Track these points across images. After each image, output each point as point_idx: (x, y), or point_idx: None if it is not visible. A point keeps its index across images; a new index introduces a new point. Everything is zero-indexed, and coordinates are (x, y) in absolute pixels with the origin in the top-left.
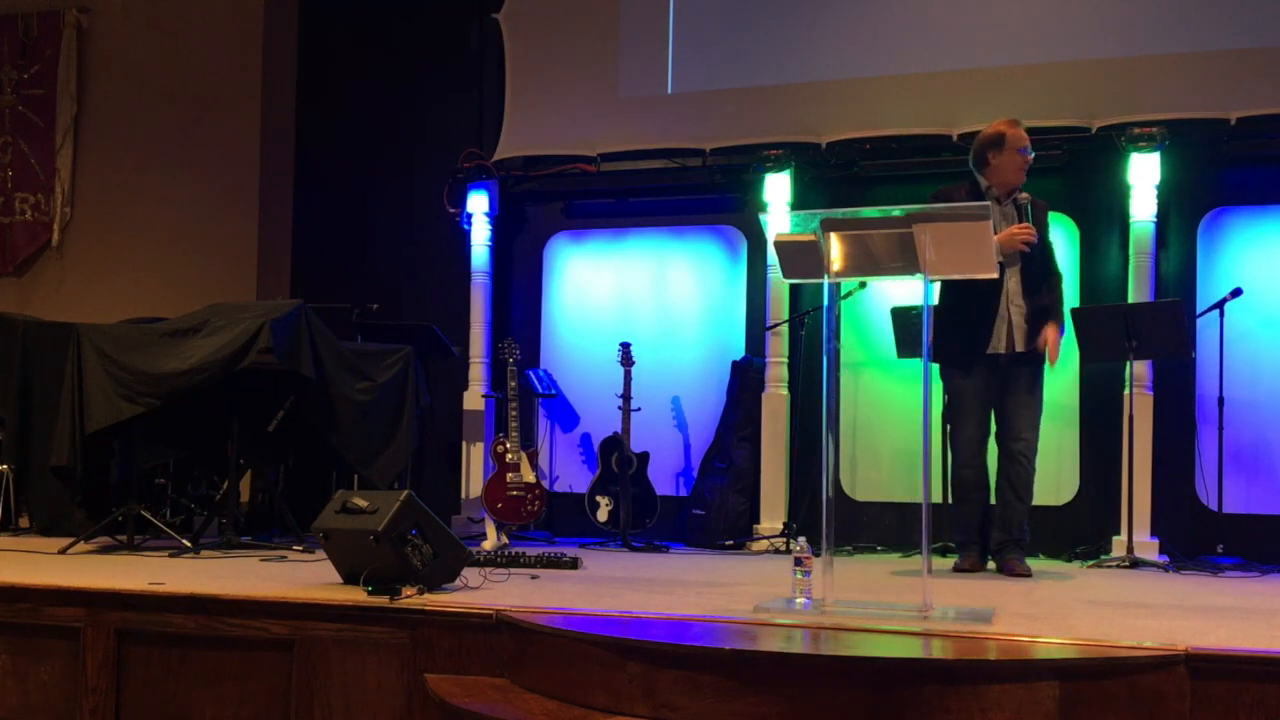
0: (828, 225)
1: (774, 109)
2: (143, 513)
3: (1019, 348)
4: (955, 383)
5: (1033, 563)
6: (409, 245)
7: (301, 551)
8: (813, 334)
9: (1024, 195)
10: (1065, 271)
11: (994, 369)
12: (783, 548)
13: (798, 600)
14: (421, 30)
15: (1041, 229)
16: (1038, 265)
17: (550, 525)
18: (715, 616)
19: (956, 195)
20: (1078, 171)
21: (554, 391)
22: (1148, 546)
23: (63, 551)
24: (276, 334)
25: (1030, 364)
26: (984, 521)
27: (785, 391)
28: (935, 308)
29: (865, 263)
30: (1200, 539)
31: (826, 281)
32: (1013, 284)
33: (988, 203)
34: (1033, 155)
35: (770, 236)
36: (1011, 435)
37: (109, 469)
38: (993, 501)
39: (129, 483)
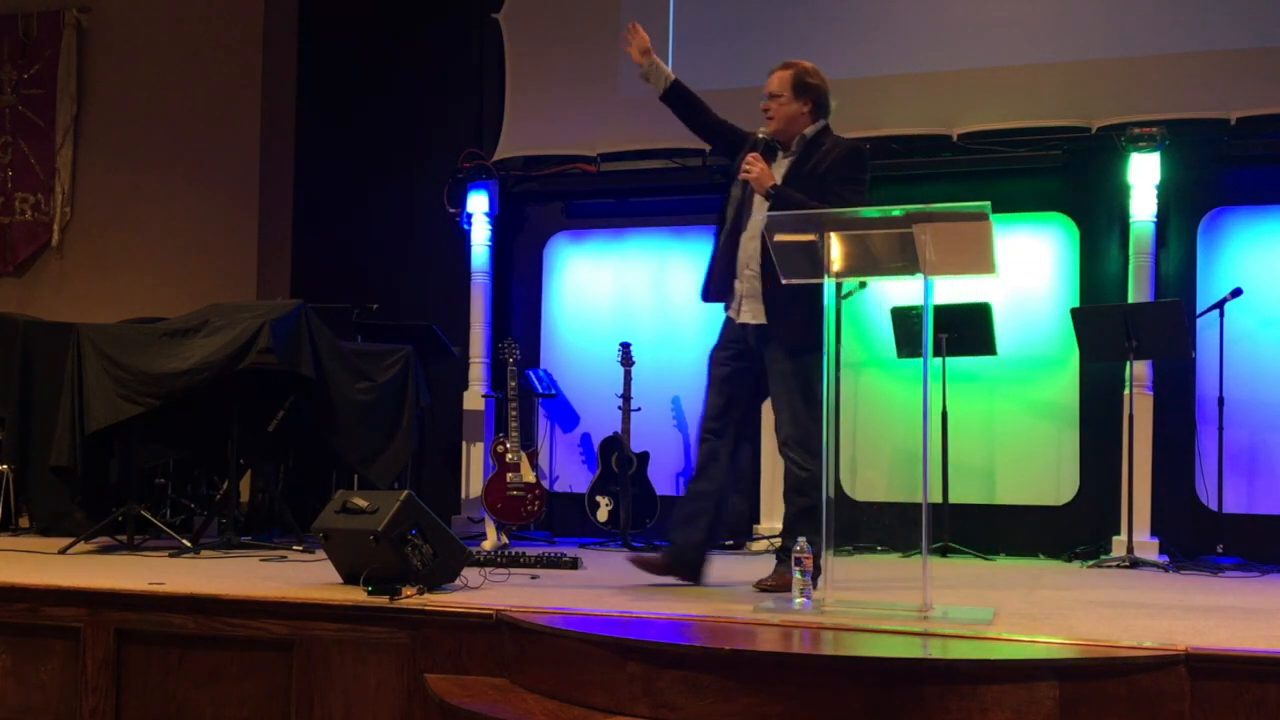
0: (828, 225)
1: None
2: (143, 513)
3: (739, 319)
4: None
5: (1033, 562)
6: (409, 245)
7: (301, 551)
8: None
9: (762, 130)
10: (1065, 271)
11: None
12: None
13: (798, 600)
14: (422, 30)
15: (810, 176)
16: None
17: (550, 525)
18: (715, 616)
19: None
20: (1078, 171)
21: (554, 391)
22: (1148, 546)
23: (63, 551)
24: (276, 334)
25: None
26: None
27: None
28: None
29: (865, 263)
30: (1200, 539)
31: (826, 281)
32: (750, 245)
33: (987, 203)
34: (764, 102)
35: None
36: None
37: (109, 469)
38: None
39: (129, 483)
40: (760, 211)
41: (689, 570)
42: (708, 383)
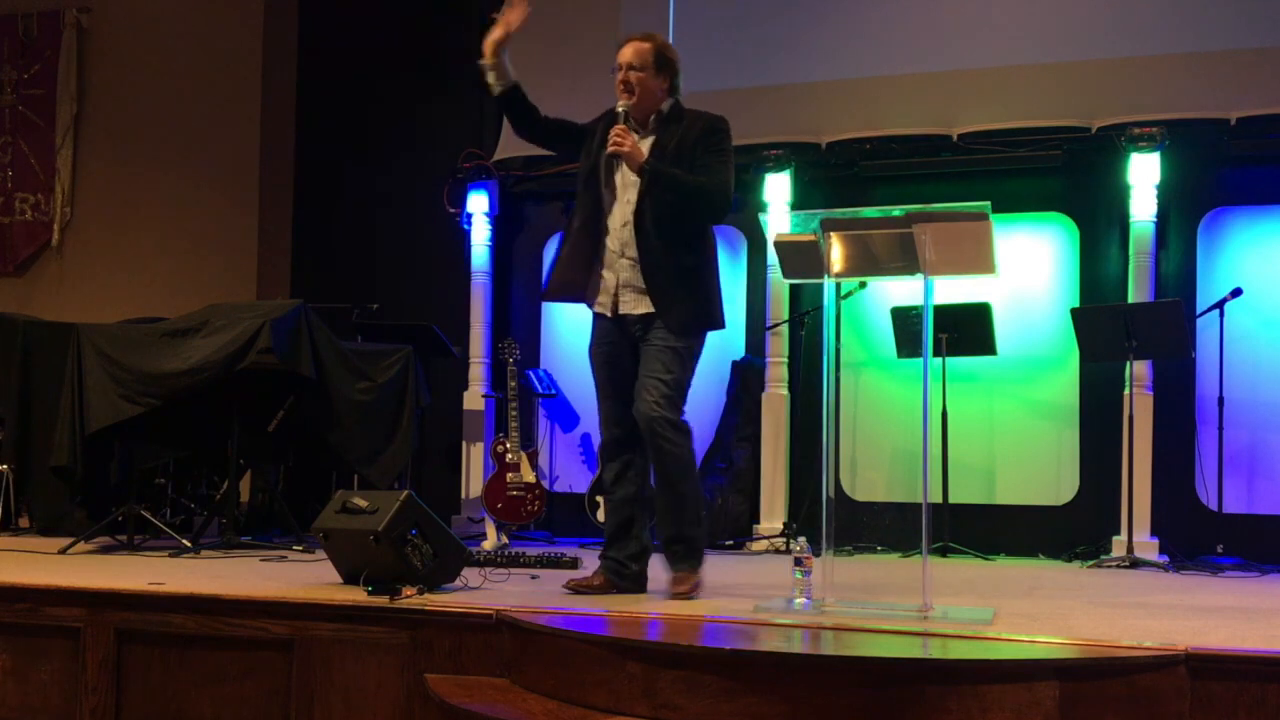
0: (828, 225)
1: (774, 109)
2: (143, 513)
3: (622, 309)
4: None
5: (1033, 563)
6: (409, 245)
7: (301, 551)
8: (813, 334)
9: (621, 103)
10: (1065, 271)
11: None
12: (783, 548)
13: (798, 600)
14: (421, 30)
15: (676, 149)
16: (666, 203)
17: (550, 525)
18: (715, 616)
19: (606, 115)
20: (1078, 171)
21: (554, 391)
22: (1148, 546)
23: (63, 551)
24: (276, 334)
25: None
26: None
27: (785, 391)
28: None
29: (865, 263)
30: (1200, 539)
31: (827, 281)
32: (623, 232)
33: (987, 203)
34: (621, 72)
35: (770, 236)
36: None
37: (109, 469)
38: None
39: (129, 483)
40: (629, 194)
41: (633, 583)
42: (596, 386)
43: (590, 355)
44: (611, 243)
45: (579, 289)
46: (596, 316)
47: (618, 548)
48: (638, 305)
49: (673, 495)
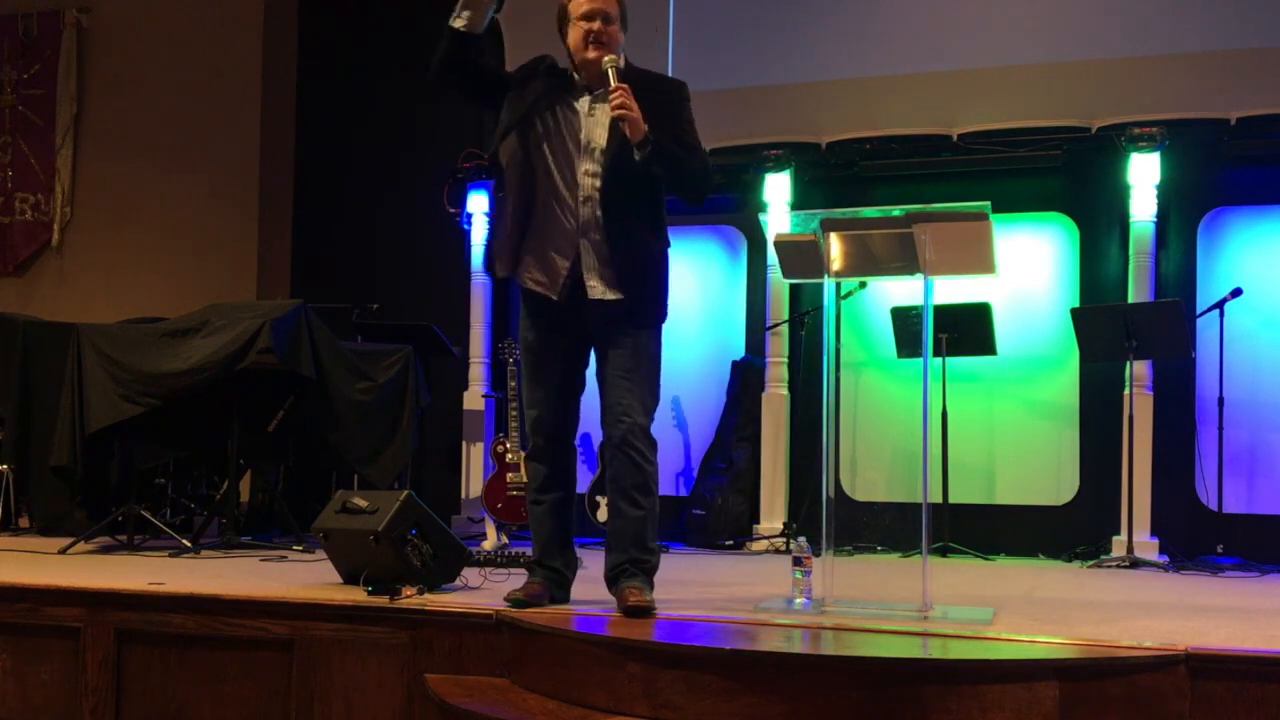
0: (827, 225)
1: (774, 109)
2: (143, 513)
3: (591, 295)
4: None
5: (1033, 563)
6: (409, 245)
7: (301, 551)
8: (813, 334)
9: (608, 59)
10: (1065, 271)
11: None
12: (783, 548)
13: (798, 600)
14: (422, 30)
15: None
16: (635, 178)
17: None
18: (715, 616)
19: (538, 67)
20: (1078, 171)
21: None
22: (1148, 546)
23: (63, 551)
24: (276, 334)
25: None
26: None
27: (785, 391)
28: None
29: (865, 263)
30: (1200, 539)
31: (827, 281)
32: (585, 208)
33: (987, 203)
34: (597, 24)
35: (770, 236)
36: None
37: (109, 469)
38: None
39: (129, 483)
40: (588, 164)
41: (566, 593)
42: (529, 376)
43: (524, 340)
44: (564, 218)
45: (529, 266)
46: (535, 297)
47: (561, 558)
48: (605, 291)
49: (637, 512)
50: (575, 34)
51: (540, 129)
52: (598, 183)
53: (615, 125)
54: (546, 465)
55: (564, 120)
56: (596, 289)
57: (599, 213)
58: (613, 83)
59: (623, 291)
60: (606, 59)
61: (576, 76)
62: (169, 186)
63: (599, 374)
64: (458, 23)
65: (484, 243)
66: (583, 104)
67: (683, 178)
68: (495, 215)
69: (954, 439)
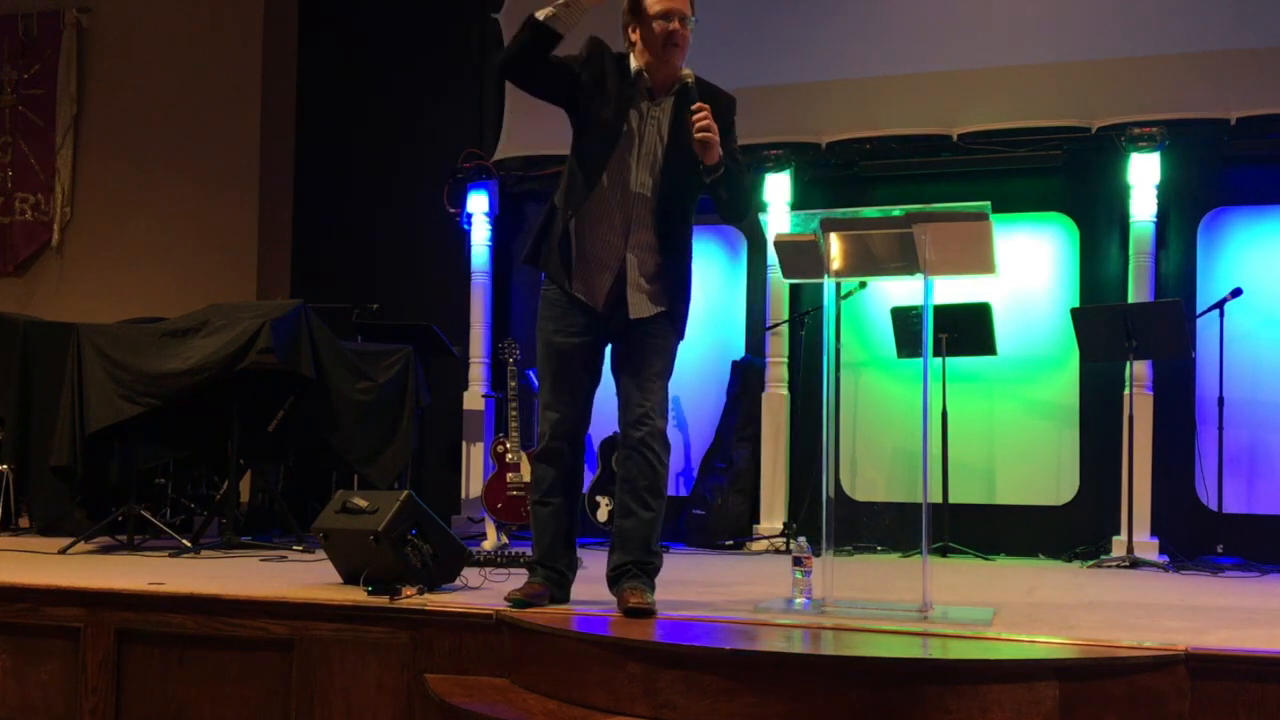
0: (827, 225)
1: (774, 109)
2: (143, 513)
3: (633, 314)
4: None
5: (1033, 563)
6: (409, 245)
7: (301, 551)
8: (813, 334)
9: (686, 72)
10: (1065, 271)
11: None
12: (783, 548)
13: (798, 600)
14: (421, 30)
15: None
16: (682, 192)
17: None
18: (715, 616)
19: (603, 62)
20: (1078, 171)
21: None
22: (1148, 546)
23: (63, 551)
24: (276, 334)
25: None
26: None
27: (785, 391)
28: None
29: (865, 263)
30: (1200, 539)
31: (826, 281)
32: (641, 233)
33: (987, 203)
34: (675, 23)
35: (770, 236)
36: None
37: (109, 469)
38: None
39: (129, 483)
40: (642, 175)
41: (566, 593)
42: (553, 380)
43: (549, 343)
44: (615, 228)
45: (575, 273)
46: (571, 301)
47: (565, 559)
48: (642, 308)
49: (648, 514)
50: (651, 32)
51: (613, 135)
52: (649, 194)
53: (672, 136)
54: (558, 468)
55: (633, 129)
56: (638, 305)
57: (648, 225)
58: (695, 100)
59: (660, 304)
60: (686, 73)
61: (645, 77)
62: (169, 186)
63: (618, 371)
64: (550, 19)
65: (486, 243)
66: (643, 108)
67: (740, 198)
68: (547, 210)
69: (954, 439)
